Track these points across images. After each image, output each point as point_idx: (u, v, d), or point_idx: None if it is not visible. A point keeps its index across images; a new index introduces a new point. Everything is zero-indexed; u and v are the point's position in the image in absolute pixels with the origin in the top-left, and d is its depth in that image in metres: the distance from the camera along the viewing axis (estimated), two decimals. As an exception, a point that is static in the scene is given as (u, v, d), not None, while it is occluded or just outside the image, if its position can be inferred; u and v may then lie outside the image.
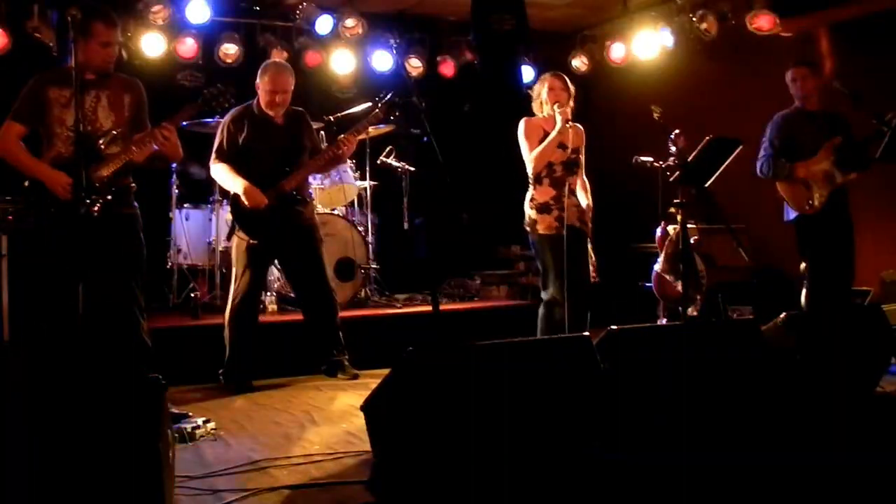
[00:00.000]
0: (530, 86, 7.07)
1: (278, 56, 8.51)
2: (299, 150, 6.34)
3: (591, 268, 6.32)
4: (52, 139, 4.97)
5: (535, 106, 6.41)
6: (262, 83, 6.25)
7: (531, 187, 6.31)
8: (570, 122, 6.17)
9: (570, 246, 6.20)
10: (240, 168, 6.20)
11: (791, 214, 6.72)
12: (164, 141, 4.94)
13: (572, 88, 6.33)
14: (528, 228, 6.33)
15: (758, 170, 6.67)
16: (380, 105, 6.30)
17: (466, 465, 3.90)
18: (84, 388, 3.25)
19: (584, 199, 6.34)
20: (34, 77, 5.03)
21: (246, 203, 6.08)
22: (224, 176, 6.26)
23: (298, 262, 6.45)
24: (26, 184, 4.92)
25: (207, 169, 8.03)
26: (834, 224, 6.59)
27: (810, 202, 6.55)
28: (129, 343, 5.04)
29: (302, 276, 6.50)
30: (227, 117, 6.28)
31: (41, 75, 5.04)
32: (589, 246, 6.37)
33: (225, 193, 7.84)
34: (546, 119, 6.29)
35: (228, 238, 6.34)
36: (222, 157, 6.26)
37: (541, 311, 6.33)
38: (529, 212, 6.29)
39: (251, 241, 6.18)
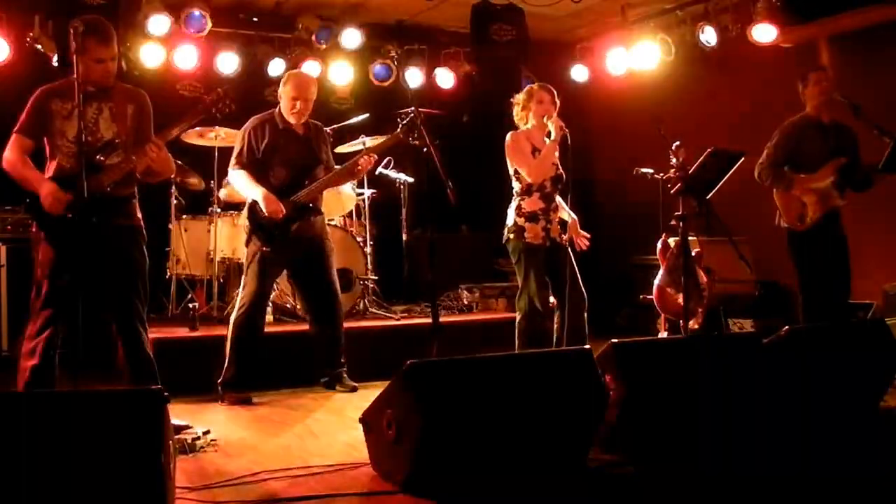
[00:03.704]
0: None
1: (278, 67, 8.56)
2: (316, 163, 6.37)
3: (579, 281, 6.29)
4: (54, 152, 4.97)
5: (517, 116, 6.38)
6: (284, 90, 6.29)
7: (518, 198, 6.28)
8: (564, 132, 6.13)
9: (558, 259, 6.20)
10: (258, 175, 6.23)
11: (783, 222, 6.69)
12: (153, 157, 4.91)
13: (558, 101, 6.31)
14: (511, 235, 6.27)
15: (756, 174, 6.62)
16: (402, 126, 6.25)
17: (468, 477, 3.89)
18: (86, 398, 3.24)
19: (568, 213, 6.34)
20: (38, 91, 5.02)
21: (264, 211, 6.10)
22: (243, 182, 6.26)
23: (308, 271, 6.46)
24: (27, 199, 4.89)
25: (206, 180, 8.10)
26: (826, 239, 6.53)
27: (802, 219, 6.51)
28: (132, 355, 5.02)
29: (312, 288, 6.50)
30: (249, 124, 6.33)
31: (44, 89, 5.03)
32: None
33: (230, 204, 7.85)
34: (531, 131, 6.28)
35: (248, 244, 6.32)
36: (242, 163, 6.28)
37: (522, 323, 6.26)
38: (517, 219, 6.24)
39: (264, 249, 6.19)
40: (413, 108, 6.09)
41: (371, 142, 8.03)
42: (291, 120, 6.29)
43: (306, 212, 6.30)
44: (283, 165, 6.26)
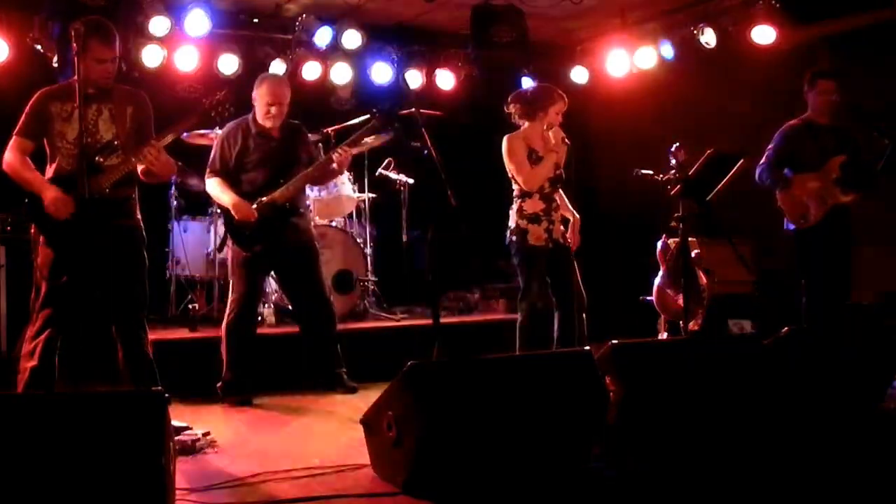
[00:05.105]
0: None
1: (278, 68, 8.54)
2: (293, 163, 6.35)
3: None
4: (53, 153, 4.98)
5: (516, 113, 6.30)
6: (258, 94, 6.28)
7: (518, 200, 6.27)
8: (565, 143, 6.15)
9: (559, 260, 6.19)
10: (234, 181, 6.25)
11: (790, 225, 6.70)
12: (151, 160, 4.90)
13: None
14: (513, 237, 6.26)
15: (756, 176, 6.64)
16: (376, 116, 6.27)
17: (466, 480, 3.89)
18: (86, 400, 3.24)
19: (571, 213, 6.33)
20: (37, 93, 5.03)
21: (235, 216, 6.10)
22: (216, 190, 6.31)
23: (295, 274, 6.46)
24: (27, 201, 4.90)
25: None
26: (831, 240, 6.54)
27: (805, 217, 6.52)
28: (131, 356, 5.02)
29: (298, 289, 6.50)
30: (222, 132, 6.34)
31: (43, 91, 5.04)
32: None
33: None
34: (528, 132, 6.25)
35: (220, 250, 6.35)
36: (215, 171, 6.33)
37: (523, 324, 6.24)
38: (518, 221, 6.23)
39: (244, 254, 6.19)
40: (413, 110, 6.09)
41: (372, 142, 8.03)
42: (266, 124, 6.28)
43: (284, 212, 6.27)
44: (258, 169, 6.28)
